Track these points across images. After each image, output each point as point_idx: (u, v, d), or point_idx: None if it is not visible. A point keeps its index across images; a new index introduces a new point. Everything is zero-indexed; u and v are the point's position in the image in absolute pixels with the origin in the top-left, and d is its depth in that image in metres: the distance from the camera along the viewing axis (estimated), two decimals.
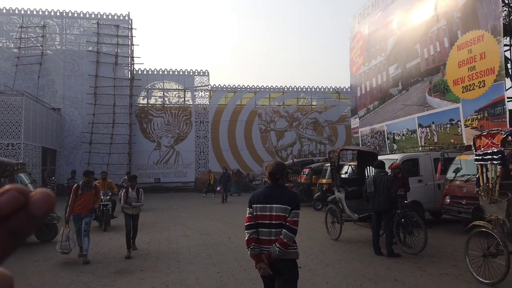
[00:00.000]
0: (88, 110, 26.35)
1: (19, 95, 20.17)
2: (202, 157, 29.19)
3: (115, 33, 27.33)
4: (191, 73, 29.54)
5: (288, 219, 3.04)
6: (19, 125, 19.45)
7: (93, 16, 27.19)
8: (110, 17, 27.50)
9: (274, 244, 3.00)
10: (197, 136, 29.18)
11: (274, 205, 3.08)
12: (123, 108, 27.11)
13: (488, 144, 4.96)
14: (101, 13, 27.41)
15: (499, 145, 4.79)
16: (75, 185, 7.31)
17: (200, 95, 29.67)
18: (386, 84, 20.17)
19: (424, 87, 17.08)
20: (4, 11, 26.04)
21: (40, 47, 26.04)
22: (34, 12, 26.40)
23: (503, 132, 4.87)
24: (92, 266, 6.66)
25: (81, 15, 27.08)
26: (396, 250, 6.99)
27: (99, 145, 26.33)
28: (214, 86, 30.14)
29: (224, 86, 30.36)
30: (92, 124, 26.25)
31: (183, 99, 29.29)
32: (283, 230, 3.01)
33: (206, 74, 29.88)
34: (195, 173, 28.62)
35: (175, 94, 29.30)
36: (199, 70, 29.74)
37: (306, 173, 15.54)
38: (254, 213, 3.15)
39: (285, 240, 2.98)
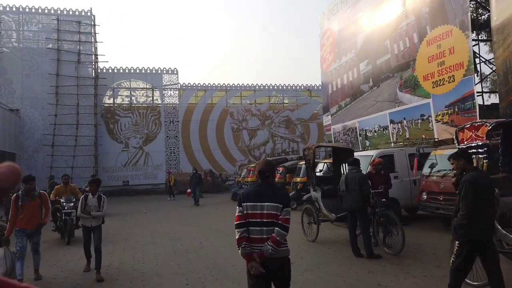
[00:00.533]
0: (50, 110, 24.92)
1: None
2: (173, 157, 28.33)
3: (76, 29, 26.00)
4: (159, 71, 28.60)
5: (280, 217, 3.04)
6: None
7: (52, 11, 25.75)
8: (71, 13, 26.15)
9: (266, 243, 3.00)
10: (167, 136, 28.29)
11: (266, 203, 3.07)
12: (87, 108, 25.85)
13: (472, 137, 4.71)
14: (61, 9, 26.04)
15: (484, 138, 4.54)
16: (14, 195, 5.87)
17: (169, 94, 28.79)
18: (357, 81, 20.12)
19: (394, 83, 17.09)
20: None
21: None
22: None
23: (488, 124, 4.63)
24: (45, 282, 5.94)
25: (39, 10, 25.59)
26: (376, 251, 6.68)
27: (63, 147, 24.98)
28: (184, 85, 29.33)
29: (194, 85, 29.60)
30: (54, 125, 24.86)
31: (151, 98, 28.32)
32: (276, 228, 3.01)
33: (175, 72, 29.03)
34: (165, 174, 27.69)
35: (143, 93, 28.28)
36: (167, 68, 28.86)
37: (280, 172, 15.16)
38: (245, 212, 3.10)
39: (278, 238, 2.98)
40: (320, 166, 11.25)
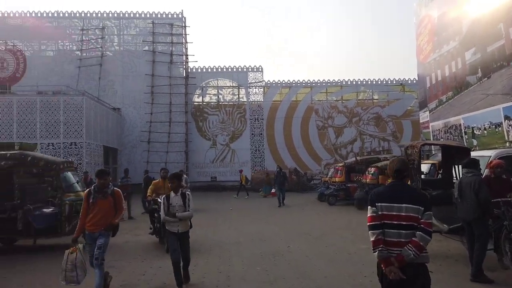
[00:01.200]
0: (146, 109, 26.70)
1: (80, 95, 20.71)
2: (258, 155, 28.42)
3: (169, 31, 27.44)
4: (245, 70, 28.88)
5: (422, 220, 2.88)
6: (81, 124, 19.94)
7: (148, 16, 27.50)
8: (164, 16, 27.66)
9: (406, 247, 2.84)
10: (252, 134, 28.46)
11: (404, 205, 2.91)
12: (179, 107, 27.14)
13: None
14: (156, 13, 27.65)
15: None
16: (87, 190, 5.24)
17: (254, 91, 28.94)
18: (462, 72, 17.80)
19: (510, 72, 14.67)
20: (66, 15, 27.16)
21: (100, 49, 26.83)
22: (94, 15, 27.24)
23: None
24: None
25: (137, 15, 27.51)
26: (498, 274, 5.47)
27: (157, 143, 26.58)
28: (268, 82, 29.22)
29: (279, 82, 29.32)
30: (150, 123, 26.56)
31: (237, 96, 28.74)
32: (418, 232, 2.86)
33: (260, 70, 29.07)
34: (251, 171, 27.91)
35: (229, 92, 28.83)
36: (252, 66, 29.01)
37: (371, 172, 14.01)
38: (379, 212, 2.96)
39: (421, 243, 2.84)
40: (424, 167, 9.94)
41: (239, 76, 28.70)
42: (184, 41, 27.90)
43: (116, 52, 27.31)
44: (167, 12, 27.77)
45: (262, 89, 28.94)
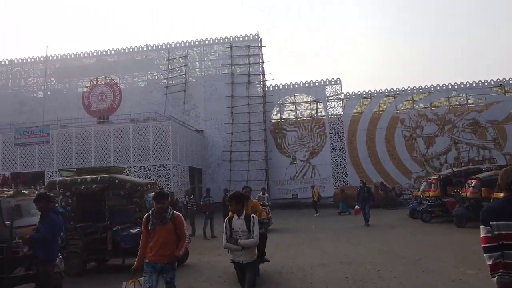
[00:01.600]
0: (227, 129, 27.53)
1: (167, 119, 22.08)
2: (340, 170, 27.36)
3: (246, 53, 28.20)
4: (322, 83, 28.34)
5: None
6: (168, 147, 21.16)
7: (226, 40, 28.65)
8: (241, 39, 28.56)
9: None
10: (333, 148, 27.56)
11: None
12: (257, 125, 27.50)
13: None
14: (233, 36, 28.68)
15: None
16: (146, 215, 4.63)
17: (333, 105, 28.17)
18: None
19: None
20: (154, 47, 29.51)
21: (184, 75, 28.55)
22: (178, 45, 29.20)
23: None
24: None
25: (216, 41, 28.83)
26: None
27: (238, 162, 27.12)
28: (348, 94, 28.22)
29: (359, 93, 28.14)
30: (231, 142, 27.27)
31: (315, 110, 28.23)
32: None
33: (338, 82, 28.27)
34: (333, 187, 26.93)
35: (307, 107, 28.46)
36: (330, 79, 28.34)
37: (472, 185, 12.38)
38: (496, 232, 2.60)
39: None
40: None
41: (317, 90, 28.23)
42: (260, 61, 28.45)
43: (198, 77, 28.82)
44: (243, 35, 28.68)
45: (341, 102, 28.04)
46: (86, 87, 30.05)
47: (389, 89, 27.82)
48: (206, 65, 29.00)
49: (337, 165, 27.49)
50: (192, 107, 28.38)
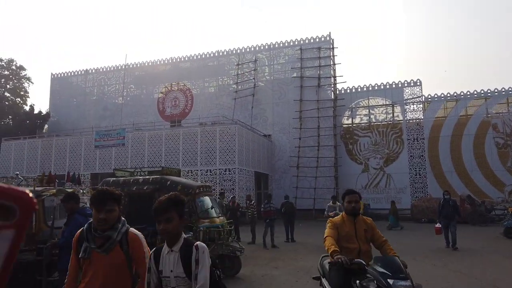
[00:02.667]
0: (295, 134, 26.71)
1: (233, 123, 21.96)
2: (419, 180, 24.94)
3: (317, 55, 27.20)
4: (400, 85, 26.20)
5: None
6: (234, 151, 20.98)
7: (296, 43, 27.95)
8: (312, 41, 27.65)
9: None
10: (411, 156, 25.24)
11: None
12: (327, 130, 26.27)
13: None
14: (304, 39, 27.87)
15: None
16: (77, 233, 2.64)
17: (411, 108, 25.88)
18: None
19: None
20: (225, 53, 29.85)
21: (253, 80, 28.41)
22: (248, 49, 29.19)
23: None
24: None
25: (286, 44, 28.27)
26: None
27: (306, 168, 26.11)
28: (429, 97, 25.70)
29: (442, 95, 25.49)
30: (299, 148, 26.39)
31: (391, 115, 26.16)
32: None
33: (418, 84, 25.93)
34: (410, 198, 24.62)
35: (382, 110, 26.50)
36: (408, 81, 26.11)
37: None
38: None
39: None
40: None
41: (393, 93, 26.16)
42: (332, 63, 27.24)
43: (267, 81, 28.48)
44: (314, 37, 27.74)
45: (421, 105, 25.63)
46: (161, 93, 31.39)
47: (478, 91, 24.78)
48: (275, 69, 28.56)
49: (416, 175, 25.11)
50: (260, 112, 28.09)
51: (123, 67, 32.54)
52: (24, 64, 50.01)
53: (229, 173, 20.96)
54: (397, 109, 26.13)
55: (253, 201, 13.53)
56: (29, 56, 75.86)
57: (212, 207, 7.21)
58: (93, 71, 33.43)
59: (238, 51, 29.47)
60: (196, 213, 7.09)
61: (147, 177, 7.48)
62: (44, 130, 32.91)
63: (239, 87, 28.86)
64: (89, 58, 76.53)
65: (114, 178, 7.68)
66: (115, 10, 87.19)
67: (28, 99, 36.48)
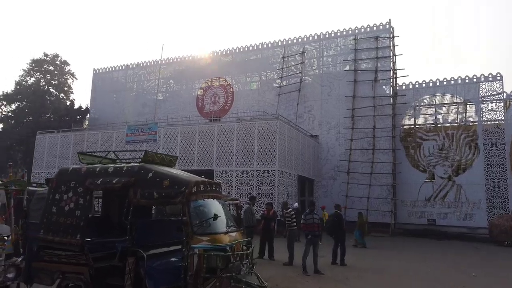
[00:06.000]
0: (345, 135, 23.38)
1: (274, 119, 19.18)
2: (498, 193, 20.59)
3: (374, 46, 23.73)
4: (475, 80, 22.00)
5: None
6: (274, 150, 18.20)
7: (350, 32, 24.68)
8: (368, 29, 24.24)
9: None
10: (488, 164, 20.95)
11: None
12: (384, 131, 22.65)
13: None
14: (359, 27, 24.54)
15: None
16: None
17: (489, 107, 21.59)
18: None
19: None
20: (270, 45, 27.24)
21: (299, 74, 25.50)
22: (294, 41, 26.37)
23: None
24: None
25: (338, 33, 25.11)
26: None
27: (358, 174, 22.67)
28: None
29: None
30: (350, 150, 23.03)
31: (463, 115, 21.99)
32: None
33: (498, 78, 21.61)
34: (487, 215, 20.34)
35: (452, 110, 22.40)
36: (486, 75, 21.85)
37: None
38: None
39: None
40: None
41: (467, 89, 22.01)
42: (391, 54, 23.62)
43: (315, 76, 25.43)
44: (371, 25, 24.29)
45: (501, 104, 21.26)
46: (201, 88, 29.41)
47: None
48: (325, 62, 25.41)
49: (494, 187, 20.75)
50: (306, 109, 25.05)
51: (163, 61, 31.01)
52: (68, 59, 51.70)
53: (268, 176, 18.16)
54: (471, 108, 21.93)
55: (290, 210, 10.58)
56: (73, 52, 78.52)
57: (217, 217, 4.46)
58: (133, 66, 32.28)
59: (284, 42, 26.71)
60: (189, 224, 4.36)
61: (121, 165, 4.92)
62: (84, 126, 32.18)
63: (284, 82, 26.06)
64: (130, 53, 77.76)
65: (77, 166, 5.20)
66: (154, 3, 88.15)
67: (71, 94, 36.27)
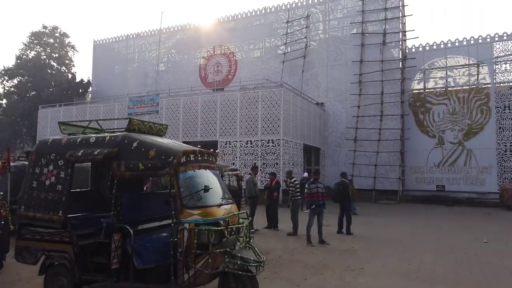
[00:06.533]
0: (353, 102, 22.71)
1: (278, 86, 18.57)
2: (509, 157, 20.06)
3: (382, 6, 22.55)
4: (488, 40, 20.96)
5: None
6: (278, 119, 17.72)
7: None
8: None
9: None
10: (500, 128, 20.32)
11: None
12: (392, 97, 21.94)
13: None
14: None
15: None
16: None
17: (503, 68, 20.71)
18: None
19: None
20: (273, 9, 26.17)
21: (304, 40, 24.55)
22: (299, 4, 25.23)
23: None
24: None
25: None
26: None
27: (365, 142, 22.18)
28: None
29: None
30: (357, 118, 22.43)
31: (475, 77, 21.11)
32: None
33: None
34: (497, 180, 19.90)
35: (464, 72, 21.50)
36: (500, 34, 20.76)
37: None
38: None
39: None
40: None
41: (479, 50, 21.00)
42: (400, 15, 22.49)
43: (321, 40, 24.45)
44: None
45: None
46: (203, 57, 28.60)
47: None
48: (331, 25, 24.34)
49: (505, 151, 20.18)
50: (312, 76, 24.27)
51: (164, 31, 30.09)
52: (67, 31, 50.47)
53: (273, 145, 17.79)
54: (484, 70, 21.02)
55: (294, 179, 10.23)
56: (72, 24, 77.03)
57: (208, 188, 4.09)
58: (134, 36, 31.42)
59: (288, 6, 25.57)
60: (180, 198, 4.00)
61: (103, 135, 4.53)
62: (87, 99, 31.82)
63: (288, 48, 25.15)
64: (129, 22, 76.09)
65: (57, 137, 4.82)
66: None
67: (72, 67, 35.68)
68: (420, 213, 15.69)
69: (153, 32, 30.64)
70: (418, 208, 17.74)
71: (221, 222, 4.20)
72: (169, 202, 4.07)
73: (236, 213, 4.58)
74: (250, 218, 4.91)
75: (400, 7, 22.50)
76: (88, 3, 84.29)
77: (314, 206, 8.58)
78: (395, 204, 19.48)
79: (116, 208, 4.17)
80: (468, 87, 21.14)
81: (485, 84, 20.83)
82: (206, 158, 4.61)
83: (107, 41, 32.48)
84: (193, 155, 4.34)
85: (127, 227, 4.06)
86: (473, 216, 14.89)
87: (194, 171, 4.36)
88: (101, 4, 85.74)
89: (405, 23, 22.88)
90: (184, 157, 4.18)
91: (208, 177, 4.58)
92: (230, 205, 4.60)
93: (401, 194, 21.14)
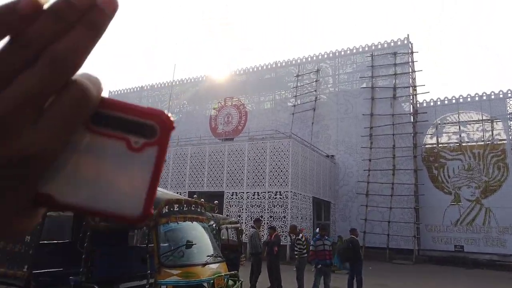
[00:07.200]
0: (363, 155, 22.23)
1: (286, 137, 18.33)
2: None
3: (392, 62, 22.82)
4: (501, 95, 20.74)
5: None
6: (287, 171, 17.26)
7: (366, 48, 23.88)
8: (385, 45, 23.39)
9: None
10: None
11: None
12: (405, 151, 21.42)
13: None
14: (375, 43, 23.74)
15: None
16: None
17: None
18: None
19: None
20: (284, 64, 26.72)
21: (314, 93, 24.73)
22: (309, 59, 25.76)
23: None
24: None
25: (354, 50, 24.34)
26: None
27: (377, 197, 21.35)
28: None
29: None
30: (368, 171, 21.81)
31: (490, 133, 20.61)
32: None
33: None
34: None
35: (478, 127, 21.05)
36: None
37: None
38: None
39: None
40: None
41: (493, 105, 20.70)
42: (410, 70, 22.63)
43: (331, 94, 24.59)
44: (389, 41, 23.46)
45: None
46: (214, 108, 28.95)
47: None
48: (340, 79, 24.59)
49: None
50: (322, 129, 24.11)
51: (177, 82, 30.87)
52: None
53: (280, 198, 17.17)
54: (498, 125, 20.55)
55: (301, 235, 9.52)
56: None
57: (191, 244, 3.59)
58: (148, 87, 32.30)
59: (299, 61, 26.12)
60: (157, 254, 3.50)
61: None
62: None
63: (298, 101, 25.30)
64: (142, 75, 78.98)
65: None
66: (166, 22, 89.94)
67: None
68: (439, 276, 14.52)
69: (166, 84, 31.45)
70: (436, 270, 16.50)
71: (205, 284, 3.65)
72: (145, 259, 3.57)
73: (224, 273, 4.01)
74: (241, 280, 4.32)
75: (410, 63, 22.70)
76: (104, 54, 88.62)
77: (320, 265, 7.85)
78: (411, 265, 18.21)
79: (87, 264, 3.67)
80: (483, 142, 20.57)
81: (500, 140, 20.26)
82: (193, 209, 4.15)
83: (122, 92, 33.40)
84: (177, 205, 3.89)
85: (96, 287, 3.54)
86: (496, 281, 13.67)
87: (178, 223, 3.89)
88: (116, 56, 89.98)
89: (415, 78, 22.95)
90: (166, 207, 3.73)
91: (194, 231, 4.09)
92: (218, 264, 4.05)
93: (417, 253, 19.87)
